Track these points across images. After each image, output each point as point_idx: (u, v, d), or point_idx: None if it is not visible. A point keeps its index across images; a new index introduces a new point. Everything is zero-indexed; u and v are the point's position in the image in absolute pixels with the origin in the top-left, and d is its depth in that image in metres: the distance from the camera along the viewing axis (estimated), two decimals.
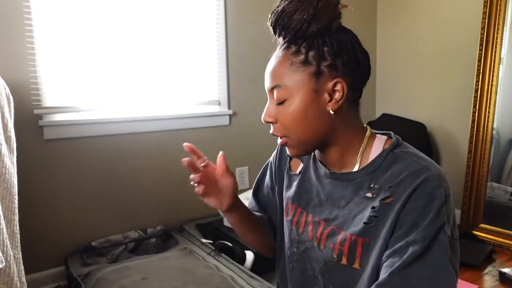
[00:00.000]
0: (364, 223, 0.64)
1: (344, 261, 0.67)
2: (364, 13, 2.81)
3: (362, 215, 0.66)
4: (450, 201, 0.62)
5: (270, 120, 0.70)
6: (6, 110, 1.19)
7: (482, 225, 2.23)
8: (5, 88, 1.22)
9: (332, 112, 0.66)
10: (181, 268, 1.51)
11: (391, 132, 0.72)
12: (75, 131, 1.76)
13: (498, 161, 2.23)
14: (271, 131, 0.72)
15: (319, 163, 0.76)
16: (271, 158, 0.92)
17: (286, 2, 0.65)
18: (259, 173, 0.95)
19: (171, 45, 2.00)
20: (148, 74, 1.95)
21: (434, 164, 0.64)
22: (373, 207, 0.64)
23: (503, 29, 2.14)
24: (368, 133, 0.71)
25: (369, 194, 0.66)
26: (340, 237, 0.68)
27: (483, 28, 2.18)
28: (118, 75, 1.86)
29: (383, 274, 0.61)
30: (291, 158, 0.85)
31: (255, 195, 0.94)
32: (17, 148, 1.22)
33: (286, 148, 0.73)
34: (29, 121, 1.65)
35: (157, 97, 1.99)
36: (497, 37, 2.15)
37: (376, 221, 0.63)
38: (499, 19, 2.14)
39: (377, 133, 0.73)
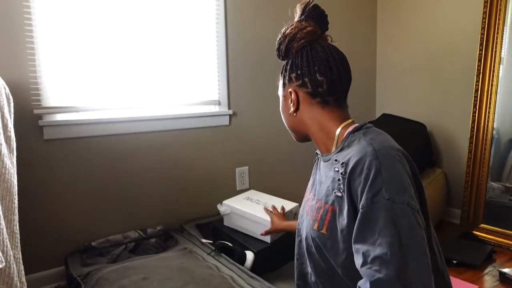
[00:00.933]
0: (335, 193, 0.78)
1: (315, 226, 0.82)
2: (364, 13, 2.81)
3: (331, 185, 0.81)
4: (391, 171, 0.70)
5: None
6: (6, 110, 1.19)
7: (482, 225, 2.23)
8: (5, 88, 1.22)
9: (291, 112, 0.90)
10: (181, 268, 1.51)
11: (367, 122, 0.86)
12: (75, 131, 1.76)
13: (498, 161, 2.23)
14: None
15: (319, 150, 0.94)
16: None
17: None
18: None
19: (171, 45, 2.00)
20: (148, 74, 1.95)
21: (381, 142, 0.76)
22: (338, 179, 0.78)
23: (503, 29, 2.14)
24: (345, 123, 0.86)
25: (336, 168, 0.80)
26: (317, 205, 0.84)
27: (483, 28, 2.18)
28: (118, 75, 1.86)
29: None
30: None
31: None
32: (17, 148, 1.22)
33: None
34: (29, 121, 1.65)
35: (157, 97, 1.99)
36: (497, 37, 2.15)
37: (341, 193, 0.76)
38: (499, 19, 2.14)
39: (356, 123, 0.87)
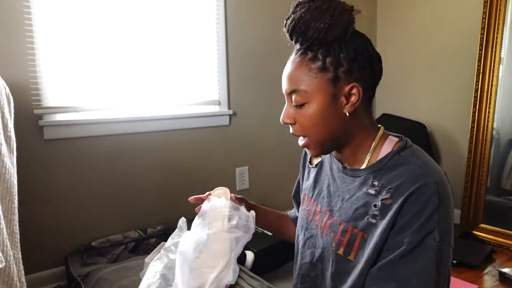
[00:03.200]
0: (367, 219, 0.68)
1: (341, 251, 0.72)
2: (364, 13, 2.81)
3: (362, 210, 0.70)
4: (446, 208, 0.64)
5: (289, 121, 0.73)
6: (6, 110, 1.19)
7: (482, 225, 2.23)
8: (5, 88, 1.22)
9: (348, 114, 0.70)
10: None
11: (403, 136, 0.75)
12: (75, 131, 1.76)
13: (498, 161, 2.23)
14: (291, 131, 0.76)
15: (334, 159, 0.81)
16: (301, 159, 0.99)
17: (303, 9, 0.67)
18: None
19: (171, 45, 2.00)
20: (148, 74, 1.95)
21: (436, 171, 0.67)
22: (375, 205, 0.68)
23: (503, 29, 2.14)
24: (380, 132, 0.75)
25: (371, 191, 0.70)
26: (341, 228, 0.73)
27: (483, 28, 2.18)
28: (118, 75, 1.86)
29: (374, 267, 0.67)
30: None
31: (295, 197, 1.03)
32: (17, 148, 1.22)
33: (307, 149, 0.77)
34: (29, 121, 1.65)
35: (157, 97, 1.99)
36: (497, 37, 2.15)
37: (377, 220, 0.67)
38: (499, 19, 2.14)
39: (389, 134, 0.76)
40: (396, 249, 0.64)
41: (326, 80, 0.68)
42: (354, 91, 0.69)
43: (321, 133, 0.71)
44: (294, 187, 1.03)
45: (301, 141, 0.75)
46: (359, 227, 0.70)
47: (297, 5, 0.68)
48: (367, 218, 0.69)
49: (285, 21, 0.72)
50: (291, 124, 0.74)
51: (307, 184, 0.89)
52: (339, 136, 0.73)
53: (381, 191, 0.68)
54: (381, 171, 0.70)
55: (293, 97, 0.71)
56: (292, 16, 0.68)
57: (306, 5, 0.67)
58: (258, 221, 0.92)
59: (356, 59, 0.68)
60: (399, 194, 0.65)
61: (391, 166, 0.69)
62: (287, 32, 0.71)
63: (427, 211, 0.63)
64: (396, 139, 0.74)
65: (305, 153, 0.95)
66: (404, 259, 0.64)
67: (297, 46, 0.72)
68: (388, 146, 0.73)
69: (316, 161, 0.89)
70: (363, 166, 0.73)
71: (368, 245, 0.68)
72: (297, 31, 0.68)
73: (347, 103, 0.70)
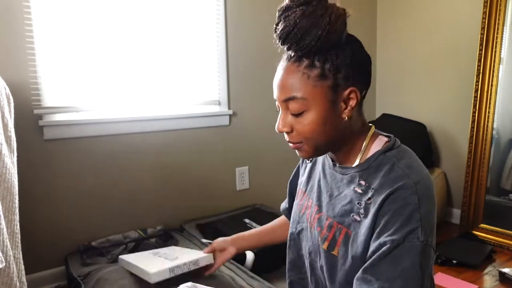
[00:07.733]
0: (352, 216, 0.70)
1: (325, 245, 0.74)
2: (364, 13, 2.81)
3: (348, 207, 0.72)
4: (427, 208, 0.65)
5: (286, 129, 0.73)
6: (6, 110, 1.19)
7: (482, 225, 2.23)
8: (5, 88, 1.22)
9: (347, 119, 0.71)
10: None
11: (392, 135, 0.76)
12: (75, 131, 1.76)
13: (498, 161, 2.23)
14: (286, 139, 0.75)
15: (327, 155, 0.83)
16: None
17: (297, 15, 0.64)
18: None
19: (171, 45, 2.00)
20: (148, 74, 1.95)
21: (417, 172, 0.67)
22: (359, 203, 0.70)
23: (503, 29, 2.14)
24: (370, 132, 0.76)
25: (358, 189, 0.71)
26: (327, 223, 0.75)
27: (483, 28, 2.18)
28: (118, 75, 1.86)
29: (359, 271, 0.67)
30: None
31: (291, 182, 1.05)
32: (17, 148, 1.22)
33: (298, 151, 0.76)
34: (29, 121, 1.65)
35: (157, 97, 1.99)
36: (497, 37, 2.15)
37: (361, 218, 0.69)
38: (499, 19, 2.14)
39: (380, 134, 0.77)
40: (378, 250, 0.64)
41: (326, 88, 0.67)
42: (352, 95, 0.69)
43: (318, 139, 0.71)
44: (293, 173, 1.04)
45: (293, 144, 0.74)
46: (344, 223, 0.71)
47: (287, 9, 0.65)
48: (352, 215, 0.70)
49: (274, 27, 0.69)
50: (287, 133, 0.73)
51: (302, 178, 0.92)
52: (335, 140, 0.73)
53: (367, 190, 0.70)
54: (367, 171, 0.71)
55: (290, 104, 0.69)
56: (284, 22, 0.65)
57: (299, 9, 0.63)
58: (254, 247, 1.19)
59: (352, 64, 0.68)
60: (379, 194, 0.66)
61: (376, 166, 0.71)
62: (279, 39, 0.68)
63: (407, 210, 0.63)
64: (386, 139, 0.76)
65: None
66: (387, 259, 0.63)
67: (290, 52, 0.69)
68: (377, 145, 0.74)
69: None
70: (354, 165, 0.75)
71: (352, 242, 0.69)
72: (292, 38, 0.65)
73: (345, 108, 0.70)
